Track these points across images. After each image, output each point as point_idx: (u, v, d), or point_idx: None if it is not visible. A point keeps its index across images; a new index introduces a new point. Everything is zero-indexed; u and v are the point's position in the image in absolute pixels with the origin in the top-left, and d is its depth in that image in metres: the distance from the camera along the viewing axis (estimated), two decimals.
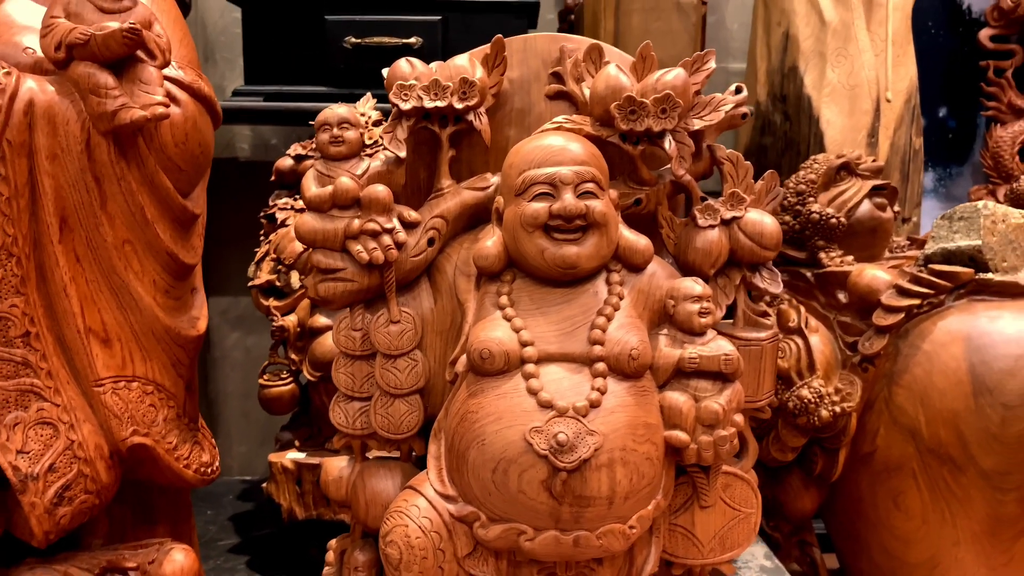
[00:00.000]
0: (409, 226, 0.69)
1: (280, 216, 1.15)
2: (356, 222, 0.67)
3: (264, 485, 1.13)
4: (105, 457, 0.74)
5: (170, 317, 0.80)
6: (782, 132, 1.52)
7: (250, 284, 1.12)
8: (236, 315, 1.68)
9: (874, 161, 1.19)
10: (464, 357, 0.66)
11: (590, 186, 0.65)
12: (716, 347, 0.66)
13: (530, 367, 0.63)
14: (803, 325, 1.07)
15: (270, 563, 1.16)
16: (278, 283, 1.12)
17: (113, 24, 0.72)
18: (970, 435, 0.98)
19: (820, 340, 1.07)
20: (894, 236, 1.24)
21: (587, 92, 0.70)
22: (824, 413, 1.02)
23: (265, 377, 1.13)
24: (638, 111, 0.66)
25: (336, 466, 0.74)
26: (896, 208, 1.19)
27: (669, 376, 0.66)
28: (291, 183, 1.18)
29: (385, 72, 0.71)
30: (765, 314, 0.73)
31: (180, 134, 0.80)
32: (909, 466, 1.03)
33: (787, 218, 1.16)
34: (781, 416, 1.07)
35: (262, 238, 1.17)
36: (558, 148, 0.65)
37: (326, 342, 1.07)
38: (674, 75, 0.68)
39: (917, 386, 1.02)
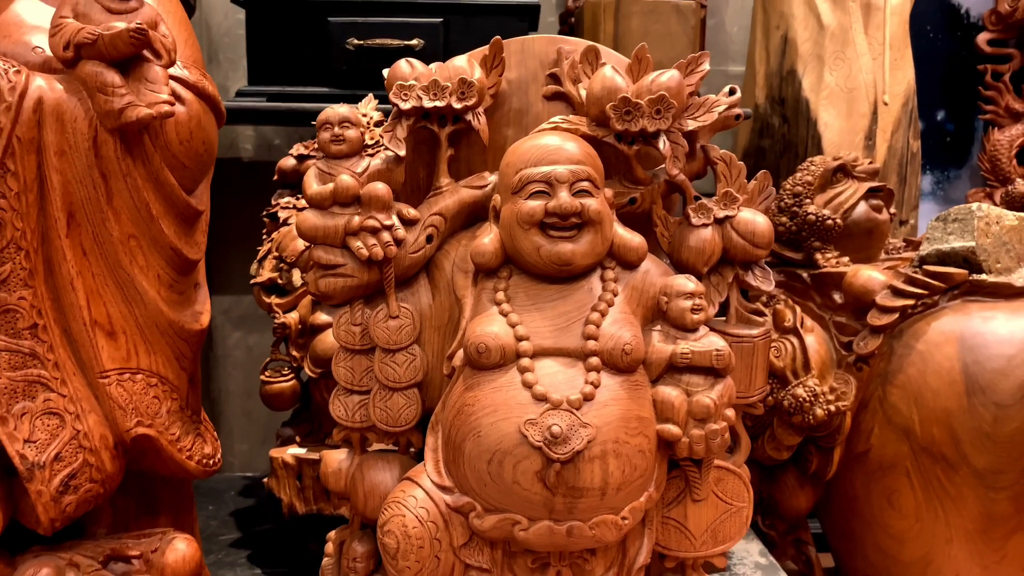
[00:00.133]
0: (408, 223, 0.70)
1: (282, 215, 1.16)
2: (356, 219, 0.69)
3: (265, 480, 1.13)
4: (110, 447, 0.76)
5: (174, 311, 0.82)
6: (780, 134, 1.53)
7: (252, 281, 1.13)
8: (238, 314, 1.69)
9: (870, 163, 1.20)
10: (461, 351, 0.67)
11: (585, 185, 0.66)
12: (708, 343, 0.67)
13: (525, 361, 0.64)
14: (799, 325, 1.08)
15: (270, 557, 1.17)
16: (280, 281, 1.13)
17: (120, 24, 0.73)
18: (963, 434, 0.99)
19: (815, 340, 1.08)
20: (892, 238, 1.25)
21: (583, 93, 0.72)
22: (819, 412, 1.03)
23: (267, 373, 1.14)
24: (633, 112, 0.68)
25: (335, 458, 0.75)
26: (893, 210, 1.19)
27: (662, 371, 0.67)
28: (294, 182, 1.19)
29: (386, 73, 0.72)
30: (758, 311, 0.74)
31: (185, 132, 0.81)
32: (903, 465, 1.04)
33: (784, 219, 1.16)
34: (776, 415, 1.08)
35: (264, 237, 1.18)
36: (554, 147, 0.67)
37: (327, 339, 1.08)
38: (668, 77, 0.69)
39: (911, 385, 1.03)
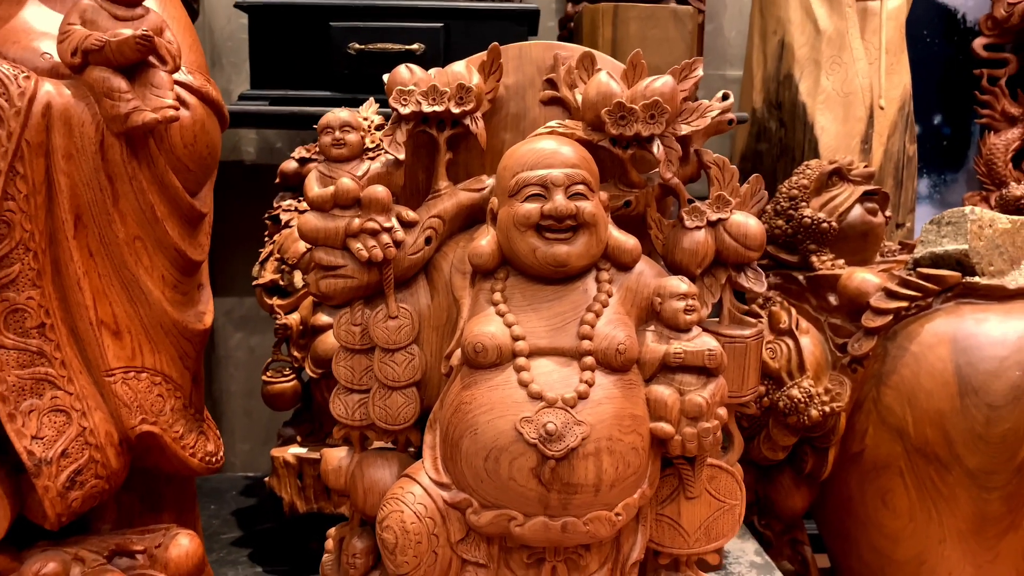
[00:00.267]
0: (407, 225, 0.71)
1: (284, 217, 1.16)
2: (356, 221, 0.70)
3: (266, 479, 1.14)
4: (115, 444, 0.77)
5: (178, 311, 0.83)
6: (777, 138, 1.54)
7: (254, 283, 1.14)
8: (240, 315, 1.70)
9: (866, 167, 1.21)
10: (459, 351, 0.68)
11: (580, 188, 0.67)
12: (701, 343, 0.68)
13: (521, 360, 0.65)
14: (794, 327, 1.09)
15: (271, 555, 1.18)
16: (281, 282, 1.13)
17: (127, 31, 0.74)
18: (956, 435, 1.00)
19: (811, 341, 1.08)
20: (888, 241, 1.26)
21: (579, 98, 0.73)
22: (814, 413, 1.04)
23: (268, 374, 1.15)
24: (628, 116, 0.69)
25: (336, 456, 0.76)
26: (888, 213, 1.20)
27: (655, 370, 0.68)
28: (295, 185, 1.20)
29: (386, 78, 0.73)
30: (751, 313, 0.75)
31: (189, 136, 0.82)
32: (897, 465, 1.04)
33: (780, 222, 1.17)
34: (772, 415, 1.09)
35: (266, 239, 1.19)
36: (550, 151, 0.68)
37: (328, 340, 1.09)
38: (662, 82, 0.70)
39: (905, 387, 1.04)
